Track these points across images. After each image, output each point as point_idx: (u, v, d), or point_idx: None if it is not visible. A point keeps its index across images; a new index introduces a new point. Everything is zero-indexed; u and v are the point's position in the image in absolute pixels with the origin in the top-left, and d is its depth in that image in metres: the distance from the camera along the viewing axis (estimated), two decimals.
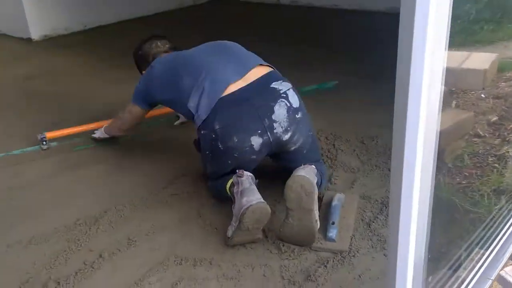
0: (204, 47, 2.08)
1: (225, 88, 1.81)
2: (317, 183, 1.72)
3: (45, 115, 2.89)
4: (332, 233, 1.64)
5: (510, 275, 1.46)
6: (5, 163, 2.33)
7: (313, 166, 1.76)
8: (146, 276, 1.54)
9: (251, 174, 1.77)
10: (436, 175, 0.93)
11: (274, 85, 1.83)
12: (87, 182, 2.16)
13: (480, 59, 1.82)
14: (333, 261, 1.55)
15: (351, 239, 1.65)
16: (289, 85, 1.87)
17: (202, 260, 1.62)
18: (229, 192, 1.80)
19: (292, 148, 1.83)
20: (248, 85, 1.82)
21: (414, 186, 0.84)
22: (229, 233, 1.69)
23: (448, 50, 1.71)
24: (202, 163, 1.98)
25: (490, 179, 1.90)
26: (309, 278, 1.49)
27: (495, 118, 2.01)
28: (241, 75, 1.85)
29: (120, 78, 3.31)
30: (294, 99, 1.83)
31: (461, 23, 1.38)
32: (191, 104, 1.86)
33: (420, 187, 0.85)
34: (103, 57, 4.10)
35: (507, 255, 1.51)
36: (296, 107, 1.81)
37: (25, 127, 2.71)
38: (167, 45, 2.26)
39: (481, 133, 2.00)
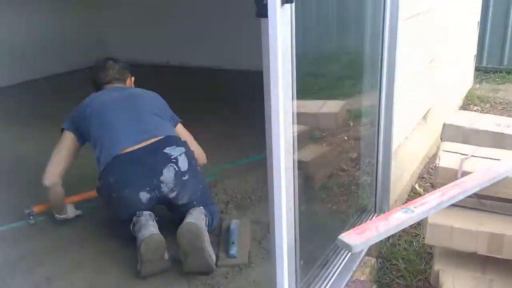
0: (120, 98, 2.25)
1: (123, 147, 2.04)
2: (207, 223, 1.98)
3: None
4: (233, 250, 1.96)
5: None
6: None
7: (201, 208, 2.02)
8: None
9: (149, 212, 1.98)
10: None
11: (167, 150, 2.06)
12: None
13: (332, 105, 2.36)
14: (232, 272, 1.89)
15: (249, 254, 2.00)
16: (182, 149, 2.09)
17: None
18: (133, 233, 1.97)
19: (180, 203, 2.06)
20: (144, 147, 2.05)
21: (282, 205, 1.24)
22: (138, 266, 1.88)
23: (307, 99, 2.28)
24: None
25: (352, 202, 2.41)
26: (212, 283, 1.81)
27: (355, 155, 2.54)
28: (140, 141, 2.06)
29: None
30: (184, 164, 2.05)
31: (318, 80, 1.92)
32: (96, 153, 2.11)
33: (287, 200, 1.26)
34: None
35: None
36: (184, 171, 2.04)
37: None
38: (107, 78, 2.37)
39: (345, 167, 2.52)
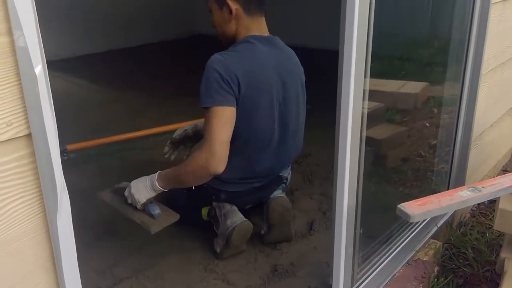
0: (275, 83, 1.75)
1: (256, 174, 1.85)
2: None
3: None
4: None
5: None
6: None
7: (282, 184, 1.99)
8: None
9: None
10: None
11: (282, 173, 1.97)
12: None
13: (413, 86, 2.35)
14: (295, 238, 1.99)
15: (312, 222, 2.12)
16: (289, 171, 2.03)
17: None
18: (205, 219, 1.94)
19: None
20: (270, 177, 1.92)
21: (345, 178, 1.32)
22: (217, 249, 1.84)
23: (387, 79, 2.28)
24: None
25: (426, 188, 2.40)
26: (275, 248, 1.93)
27: (434, 141, 2.52)
28: (273, 171, 1.92)
29: (109, 98, 3.81)
30: (289, 177, 2.04)
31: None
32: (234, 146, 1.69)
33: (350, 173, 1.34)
34: (95, 79, 4.65)
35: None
36: (288, 182, 2.03)
37: None
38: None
39: (423, 153, 2.52)
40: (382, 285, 1.69)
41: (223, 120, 1.61)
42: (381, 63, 2.13)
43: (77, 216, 0.72)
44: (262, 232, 1.95)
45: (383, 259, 1.71)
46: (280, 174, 1.97)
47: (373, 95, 2.09)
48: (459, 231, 2.30)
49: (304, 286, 1.71)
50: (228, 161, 1.63)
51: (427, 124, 2.46)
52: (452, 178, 2.13)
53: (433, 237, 2.05)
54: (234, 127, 1.65)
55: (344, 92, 1.25)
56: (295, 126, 1.87)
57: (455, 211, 2.29)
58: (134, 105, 3.84)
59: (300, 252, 1.91)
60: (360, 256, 1.61)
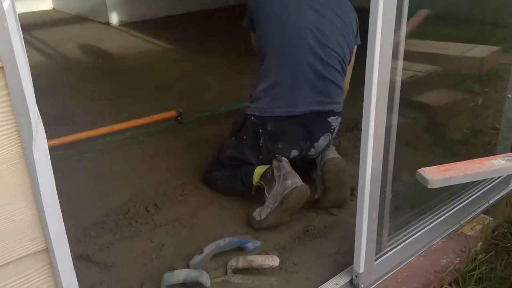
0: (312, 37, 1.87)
1: (299, 109, 1.88)
2: None
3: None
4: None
5: None
6: None
7: (332, 147, 2.01)
8: None
9: (286, 159, 1.87)
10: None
11: (330, 120, 1.96)
12: None
13: (481, 50, 2.14)
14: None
15: (354, 188, 2.04)
16: (339, 119, 2.00)
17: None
18: (256, 181, 1.87)
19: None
20: (314, 112, 1.91)
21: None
22: (263, 215, 1.78)
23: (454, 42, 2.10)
24: (223, 145, 2.04)
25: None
26: (310, 210, 1.91)
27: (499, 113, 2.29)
28: (314, 108, 1.90)
29: (182, 57, 4.00)
30: (335, 131, 2.01)
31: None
32: (270, 79, 1.90)
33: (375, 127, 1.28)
34: (171, 39, 4.85)
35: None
36: (330, 141, 1.99)
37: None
38: None
39: (497, 126, 2.32)
40: (415, 256, 1.62)
41: None
42: (445, 26, 1.99)
43: None
44: (316, 196, 1.91)
45: (419, 228, 1.64)
46: (328, 119, 1.94)
47: (430, 57, 1.97)
48: None
49: (334, 248, 1.70)
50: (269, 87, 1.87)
51: (491, 92, 2.25)
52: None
53: (487, 213, 1.92)
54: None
55: (370, 49, 1.19)
56: (333, 60, 1.90)
57: None
58: (200, 65, 3.95)
59: (336, 215, 1.89)
60: (392, 224, 1.55)
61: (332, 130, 1.98)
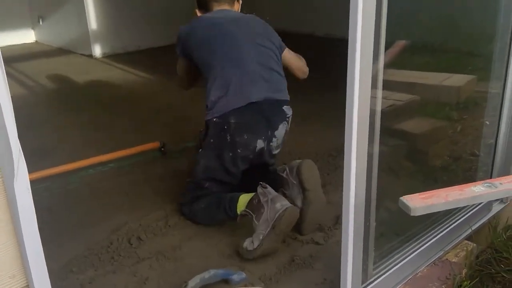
0: (250, 35, 2.11)
1: (253, 98, 1.97)
2: None
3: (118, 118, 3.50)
4: None
5: None
6: None
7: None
8: None
9: (270, 187, 1.87)
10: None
11: (285, 108, 2.08)
12: None
13: (457, 79, 2.20)
14: (318, 231, 1.96)
15: (339, 216, 2.06)
16: (291, 110, 2.11)
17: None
18: (241, 210, 1.85)
19: (270, 162, 2.11)
20: (268, 99, 2.01)
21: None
22: (255, 243, 1.75)
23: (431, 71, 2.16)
24: (194, 163, 2.08)
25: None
26: (296, 239, 1.91)
27: (491, 141, 2.36)
28: (267, 95, 2.02)
29: (165, 88, 4.02)
30: (289, 125, 2.12)
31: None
32: (219, 82, 2.01)
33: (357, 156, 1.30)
34: (154, 71, 4.88)
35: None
36: (287, 131, 2.10)
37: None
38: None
39: (477, 152, 2.37)
40: (401, 284, 1.62)
41: None
42: (422, 56, 2.05)
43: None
44: (299, 206, 1.89)
45: (404, 256, 1.64)
46: (283, 108, 2.06)
47: (408, 87, 2.02)
48: (505, 235, 2.15)
49: (320, 279, 1.68)
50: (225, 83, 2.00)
51: (468, 118, 2.30)
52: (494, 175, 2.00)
53: (470, 239, 1.93)
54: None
55: (349, 77, 1.21)
56: (268, 52, 2.11)
57: (501, 213, 2.15)
58: (183, 96, 3.96)
59: (321, 245, 1.88)
60: (378, 252, 1.55)
61: (287, 119, 2.09)
